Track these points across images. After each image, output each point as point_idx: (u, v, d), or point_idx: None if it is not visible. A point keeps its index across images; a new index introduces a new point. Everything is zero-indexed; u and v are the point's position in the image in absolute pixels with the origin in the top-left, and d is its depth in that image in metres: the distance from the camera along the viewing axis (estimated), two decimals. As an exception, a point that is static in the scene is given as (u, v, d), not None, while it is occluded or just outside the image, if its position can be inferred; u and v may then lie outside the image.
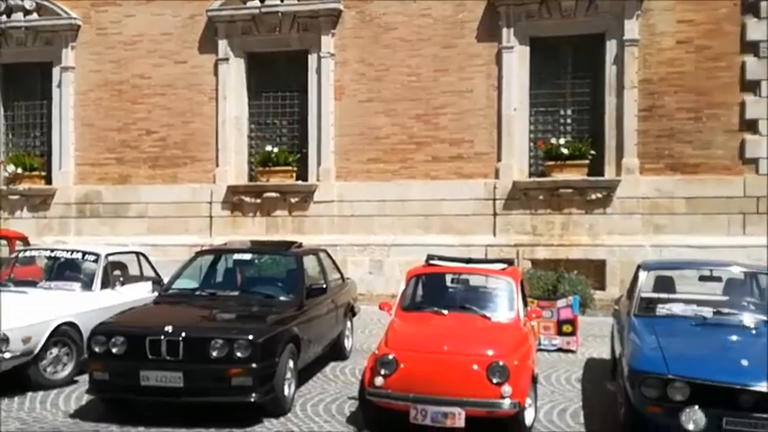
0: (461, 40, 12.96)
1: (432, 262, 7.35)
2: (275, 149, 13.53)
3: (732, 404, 4.98)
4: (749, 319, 6.26)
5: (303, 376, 7.17)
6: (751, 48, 11.93)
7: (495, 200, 12.83)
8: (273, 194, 13.45)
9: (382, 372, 5.58)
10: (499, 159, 12.85)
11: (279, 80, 13.92)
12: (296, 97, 13.85)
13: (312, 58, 13.51)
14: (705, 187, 12.10)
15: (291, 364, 6.38)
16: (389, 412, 5.66)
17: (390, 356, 5.63)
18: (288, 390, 6.28)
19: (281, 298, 7.14)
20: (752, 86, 11.95)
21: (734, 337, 5.88)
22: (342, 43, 13.42)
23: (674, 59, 12.19)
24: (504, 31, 12.70)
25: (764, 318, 6.27)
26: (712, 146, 12.13)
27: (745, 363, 5.23)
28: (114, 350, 5.96)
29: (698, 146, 12.16)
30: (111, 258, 8.42)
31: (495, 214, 12.84)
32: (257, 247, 9.09)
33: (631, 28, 12.23)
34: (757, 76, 11.90)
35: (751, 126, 11.97)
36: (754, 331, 6.03)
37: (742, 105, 11.99)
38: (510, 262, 7.53)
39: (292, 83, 13.84)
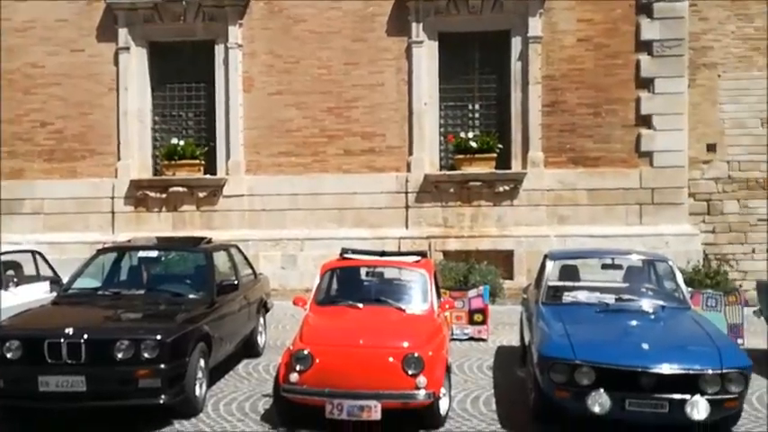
0: (371, 34, 12.96)
1: (346, 255, 7.32)
2: (181, 142, 13.08)
3: (634, 386, 5.23)
4: (648, 304, 6.59)
5: (215, 375, 6.98)
6: (645, 47, 12.55)
7: (407, 193, 12.94)
8: (180, 189, 13.01)
9: (297, 367, 5.51)
10: (410, 153, 12.96)
11: (184, 71, 13.45)
12: (202, 89, 13.44)
13: (219, 49, 13.15)
14: (605, 179, 12.65)
15: (202, 363, 6.19)
16: (305, 408, 5.59)
17: (305, 351, 5.56)
18: (199, 390, 6.10)
19: (191, 296, 6.92)
20: (646, 84, 12.57)
21: (634, 323, 6.17)
22: (250, 34, 13.13)
23: (575, 57, 12.67)
24: (414, 25, 12.80)
25: (662, 303, 6.62)
26: (611, 140, 12.68)
27: (645, 346, 5.49)
28: (9, 355, 5.59)
29: (598, 140, 12.69)
30: (2, 258, 7.89)
31: (407, 207, 12.95)
32: (164, 244, 8.77)
33: (535, 26, 12.60)
34: (651, 73, 12.53)
35: (646, 121, 12.59)
36: (652, 316, 6.35)
37: (637, 101, 12.60)
38: (423, 254, 7.60)
39: (198, 74, 13.41)
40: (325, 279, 6.96)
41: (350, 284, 7.10)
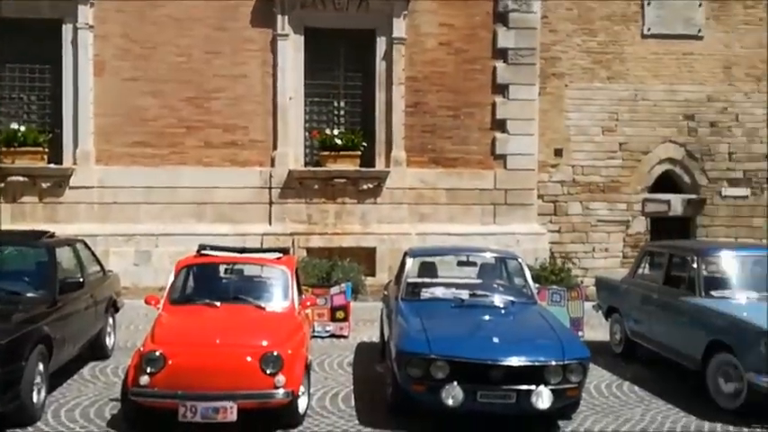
0: (235, 24, 12.60)
1: (203, 252, 7.06)
2: (22, 128, 12.03)
3: (486, 378, 5.44)
4: (499, 299, 6.90)
5: (57, 379, 6.49)
6: (501, 54, 13.16)
7: (270, 188, 12.73)
8: (20, 178, 11.97)
9: (148, 369, 5.24)
10: (275, 147, 12.76)
11: (27, 51, 12.38)
12: (47, 71, 12.46)
13: (67, 29, 12.25)
14: (462, 180, 13.14)
15: (41, 367, 5.72)
16: (156, 412, 5.33)
17: (157, 353, 5.30)
18: (37, 396, 5.63)
19: (29, 294, 6.39)
20: (501, 89, 13.19)
21: (487, 317, 6.43)
22: (102, 15, 12.32)
23: (437, 60, 13.04)
24: (279, 18, 12.59)
25: (512, 298, 6.96)
26: (469, 142, 13.19)
27: (496, 340, 5.74)
28: None
29: (457, 141, 13.15)
30: None
31: (270, 203, 12.74)
32: (-1, 238, 8.02)
33: (399, 27, 12.83)
34: (506, 80, 13.17)
35: (501, 125, 13.21)
36: (503, 311, 6.65)
37: (493, 106, 13.19)
38: (285, 251, 7.51)
39: (44, 55, 12.41)
40: (180, 277, 6.67)
41: (207, 282, 6.86)
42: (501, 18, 13.14)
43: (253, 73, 12.68)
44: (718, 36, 13.83)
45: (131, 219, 12.34)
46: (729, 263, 7.36)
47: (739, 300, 6.78)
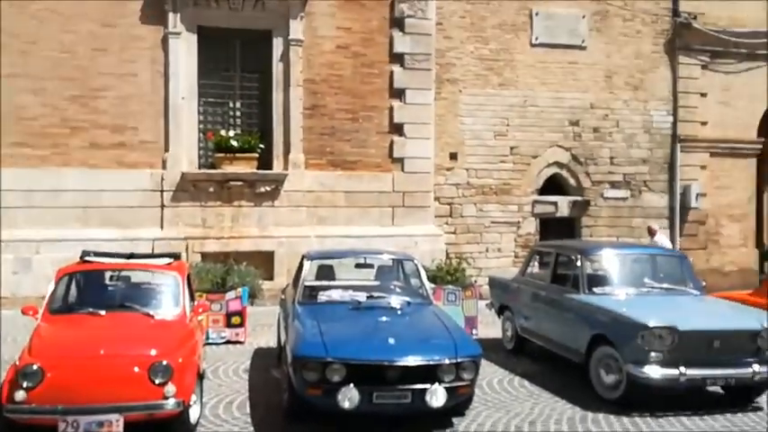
0: (123, 20, 12.08)
1: (87, 258, 6.72)
2: None
3: (382, 379, 5.48)
4: (396, 301, 6.96)
5: None
6: (398, 59, 13.34)
7: (162, 191, 12.29)
8: None
9: (24, 384, 4.93)
10: (167, 149, 12.33)
11: None
12: None
13: (-65, 20, 11.34)
14: (361, 183, 13.20)
15: None
16: (34, 430, 5.00)
17: (34, 366, 4.99)
18: None
19: None
20: (398, 94, 13.37)
21: (383, 318, 6.47)
22: (-25, 7, 11.50)
23: (334, 62, 13.05)
24: (171, 15, 12.19)
25: (408, 299, 7.05)
26: (367, 145, 13.28)
27: (392, 341, 5.78)
28: None
29: (355, 144, 13.21)
30: None
31: (162, 206, 12.30)
32: None
33: (296, 28, 12.74)
34: (403, 84, 13.36)
35: (398, 129, 13.38)
36: (399, 312, 6.72)
37: (391, 110, 13.34)
38: (176, 256, 7.27)
39: None
40: (61, 285, 6.32)
41: (91, 290, 6.54)
42: (397, 23, 13.32)
43: (142, 72, 12.20)
44: (599, 47, 14.63)
45: (9, 224, 11.54)
46: (610, 261, 7.78)
47: (619, 296, 7.18)
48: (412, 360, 5.55)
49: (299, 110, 12.81)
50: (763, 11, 15.31)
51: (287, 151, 12.82)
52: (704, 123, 15.17)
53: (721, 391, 6.73)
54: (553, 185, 14.67)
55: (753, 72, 15.32)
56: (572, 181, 14.71)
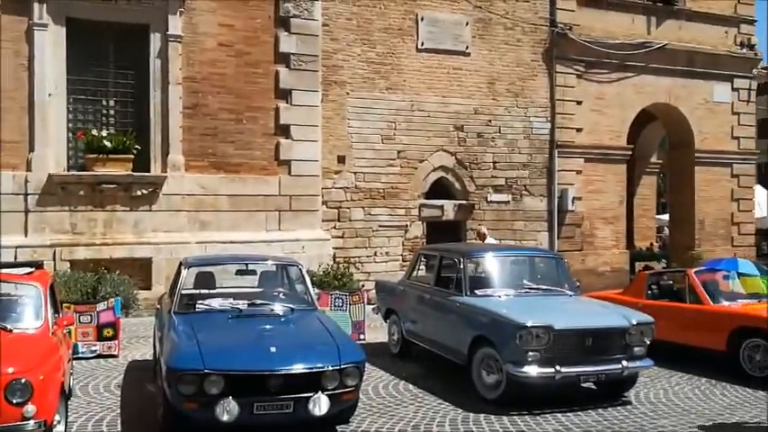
0: (-19, 9, 11.13)
1: (-66, 269, 6.04)
2: None
3: (264, 389, 5.27)
4: (279, 308, 6.75)
5: None
6: (283, 59, 13.10)
7: (26, 195, 11.41)
8: None
9: None
10: (31, 149, 11.46)
11: None
12: None
13: None
14: (246, 186, 12.82)
15: None
16: None
17: None
18: None
19: None
20: (285, 95, 13.13)
21: (266, 326, 6.25)
22: None
23: (216, 61, 12.61)
24: (36, 6, 11.36)
25: (292, 306, 6.86)
26: (252, 147, 12.93)
27: (273, 349, 5.57)
28: None
29: (239, 146, 12.82)
30: None
31: (26, 211, 11.41)
32: None
33: (175, 24, 12.20)
34: (289, 85, 13.13)
35: (284, 131, 13.13)
36: (282, 319, 6.52)
37: (277, 111, 13.08)
38: (38, 265, 6.72)
39: None
40: None
41: (-65, 304, 5.87)
42: (283, 23, 13.08)
43: (3, 65, 11.25)
44: (482, 53, 15.04)
45: None
46: (491, 264, 7.94)
47: (500, 297, 7.32)
48: (294, 368, 5.39)
49: (178, 109, 12.28)
50: (632, 23, 16.33)
51: (165, 153, 12.24)
52: (579, 130, 15.94)
53: (594, 386, 7.00)
54: (439, 189, 14.92)
55: (623, 82, 16.28)
56: (457, 185, 15.02)
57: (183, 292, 6.89)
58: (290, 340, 6.02)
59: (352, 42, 13.93)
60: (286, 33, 13.07)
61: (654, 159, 20.78)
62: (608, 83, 16.16)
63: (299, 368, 5.40)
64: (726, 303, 8.29)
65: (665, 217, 21.40)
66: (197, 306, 6.70)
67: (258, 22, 12.90)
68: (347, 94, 13.90)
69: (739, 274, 8.72)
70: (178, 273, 7.25)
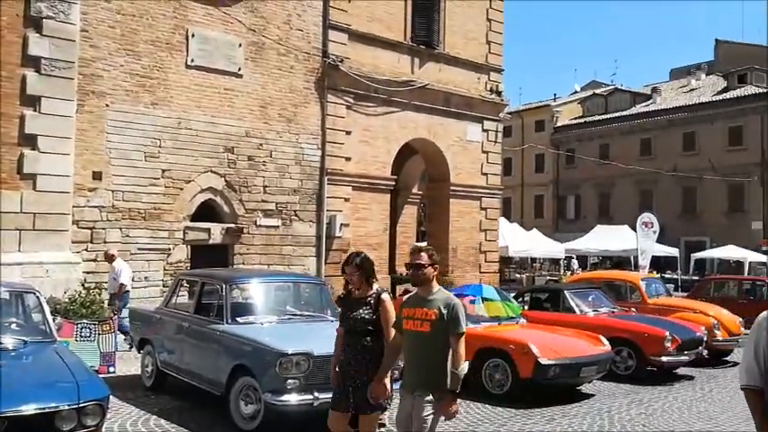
0: None
1: None
2: None
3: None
4: (9, 340, 5.94)
5: None
6: (33, 62, 11.82)
7: None
8: None
9: None
10: None
11: None
12: None
13: None
14: (-21, 200, 11.26)
15: None
16: None
17: None
18: None
19: None
20: (32, 101, 11.83)
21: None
22: None
23: (-52, 57, 11.02)
24: None
25: (25, 338, 6.07)
26: (-10, 157, 11.42)
27: (-2, 389, 4.85)
28: None
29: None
30: None
31: None
32: None
33: None
34: (38, 92, 11.86)
35: (30, 141, 11.80)
36: (13, 353, 5.75)
37: (22, 119, 11.73)
38: None
39: None
40: None
41: None
42: (34, 23, 11.85)
43: None
44: (255, 77, 14.94)
45: None
46: (254, 290, 7.76)
47: (261, 325, 7.16)
48: (22, 409, 4.73)
49: None
50: (398, 62, 17.36)
51: None
52: (348, 159, 16.48)
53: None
54: (207, 212, 14.42)
55: (389, 116, 17.20)
56: (226, 208, 14.64)
57: None
58: (20, 377, 5.29)
59: (114, 52, 12.99)
60: (37, 35, 11.82)
61: (415, 190, 22.17)
62: (375, 116, 16.96)
63: (28, 409, 4.75)
64: (471, 326, 8.97)
65: (424, 244, 22.89)
66: None
67: (4, 20, 11.50)
68: (107, 105, 12.90)
69: (483, 299, 9.52)
70: None
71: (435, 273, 4.52)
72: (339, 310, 5.35)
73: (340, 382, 4.89)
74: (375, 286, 4.95)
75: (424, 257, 4.49)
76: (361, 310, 4.83)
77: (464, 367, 4.30)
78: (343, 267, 5.05)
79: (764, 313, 3.28)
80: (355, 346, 4.82)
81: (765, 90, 33.72)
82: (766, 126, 32.67)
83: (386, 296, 4.91)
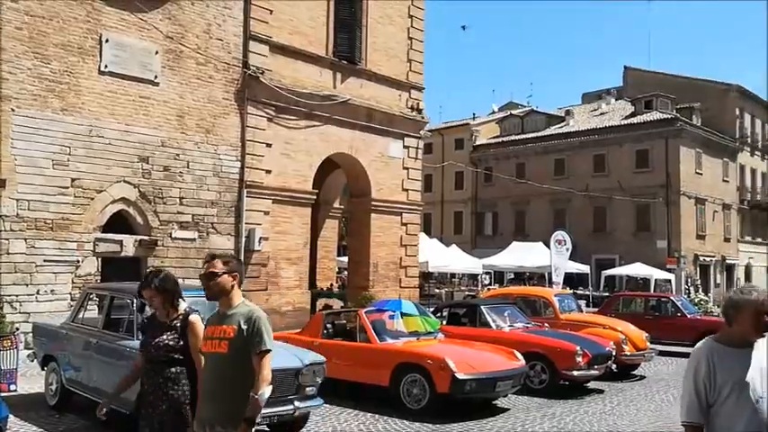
0: None
1: None
2: None
3: None
4: None
5: None
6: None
7: None
8: None
9: None
10: None
11: None
12: None
13: None
14: None
15: None
16: None
17: None
18: None
19: None
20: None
21: None
22: None
23: None
24: None
25: None
26: None
27: None
28: None
29: None
30: None
31: None
32: None
33: None
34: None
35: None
36: None
37: None
38: None
39: None
40: None
41: None
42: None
43: None
44: (173, 85, 14.55)
45: None
46: (168, 303, 7.48)
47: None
48: None
49: None
50: (320, 76, 17.33)
51: None
52: (269, 172, 16.26)
53: (267, 429, 6.96)
54: (119, 223, 13.87)
55: (311, 129, 17.12)
56: (140, 219, 14.14)
57: None
58: None
59: (21, 54, 12.36)
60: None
61: (337, 204, 22.16)
62: (296, 129, 16.84)
63: None
64: (390, 341, 8.99)
65: (345, 259, 22.87)
66: None
67: None
68: (12, 110, 12.25)
69: (402, 314, 9.55)
70: None
71: (234, 282, 3.75)
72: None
73: (144, 414, 4.13)
74: (182, 306, 4.19)
75: (219, 265, 3.73)
76: (164, 336, 4.07)
77: (265, 392, 3.53)
78: (139, 290, 4.37)
79: (700, 344, 3.24)
80: (156, 378, 4.05)
81: (670, 116, 35.72)
82: (670, 150, 34.59)
83: (195, 317, 4.12)
